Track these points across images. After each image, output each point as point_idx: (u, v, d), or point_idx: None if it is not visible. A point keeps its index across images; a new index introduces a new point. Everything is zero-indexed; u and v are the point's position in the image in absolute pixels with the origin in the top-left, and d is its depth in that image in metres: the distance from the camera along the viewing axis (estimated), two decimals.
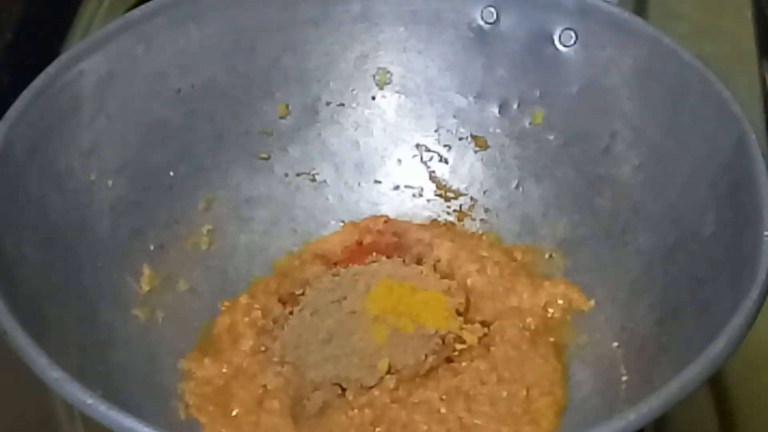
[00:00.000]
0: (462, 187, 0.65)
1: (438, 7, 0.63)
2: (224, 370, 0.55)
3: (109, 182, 0.57)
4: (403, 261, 0.61)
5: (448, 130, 0.65)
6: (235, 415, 0.53)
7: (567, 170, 0.62)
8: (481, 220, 0.64)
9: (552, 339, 0.57)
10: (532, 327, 0.57)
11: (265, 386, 0.54)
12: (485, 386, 0.54)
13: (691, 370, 0.42)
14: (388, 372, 0.54)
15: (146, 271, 0.57)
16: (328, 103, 0.64)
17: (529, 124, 0.63)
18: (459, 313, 0.57)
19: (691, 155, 0.54)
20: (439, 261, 0.61)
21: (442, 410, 0.53)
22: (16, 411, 0.56)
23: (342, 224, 0.64)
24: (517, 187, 0.63)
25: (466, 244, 0.62)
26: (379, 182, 0.65)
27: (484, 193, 0.64)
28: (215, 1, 0.60)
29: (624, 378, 0.53)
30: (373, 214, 0.64)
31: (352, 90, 0.65)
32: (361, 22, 0.63)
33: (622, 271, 0.57)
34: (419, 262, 0.61)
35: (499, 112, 0.63)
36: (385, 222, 0.63)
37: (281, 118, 0.64)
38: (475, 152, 0.65)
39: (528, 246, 0.62)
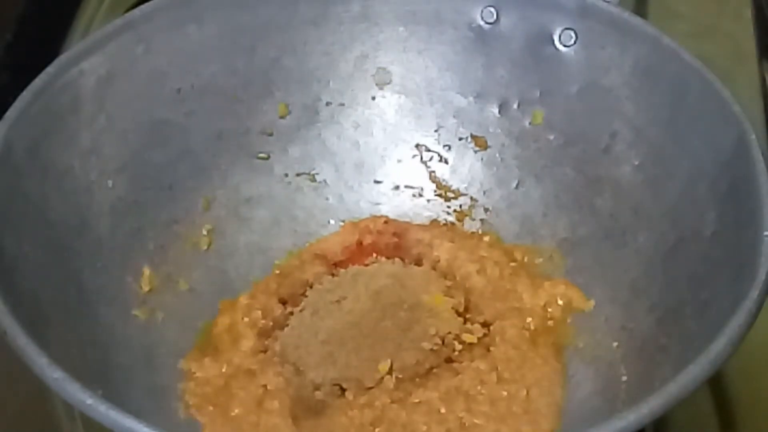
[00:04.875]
0: (462, 187, 0.65)
1: (438, 7, 0.63)
2: (224, 370, 0.55)
3: (109, 182, 0.57)
4: (403, 261, 0.61)
5: (448, 130, 0.65)
6: (235, 415, 0.53)
7: (567, 170, 0.61)
8: (481, 220, 0.64)
9: (552, 339, 0.57)
10: (532, 327, 0.57)
11: (265, 386, 0.54)
12: (485, 386, 0.54)
13: (691, 370, 0.42)
14: (388, 372, 0.54)
15: (146, 271, 0.57)
16: (328, 103, 0.64)
17: (529, 124, 0.63)
18: (459, 313, 0.57)
19: (691, 155, 0.54)
20: (439, 261, 0.61)
21: (442, 410, 0.53)
22: (16, 411, 0.56)
23: (342, 224, 0.64)
24: (517, 187, 0.63)
25: (466, 244, 0.62)
26: (379, 182, 0.65)
27: (484, 193, 0.64)
28: (215, 1, 0.60)
29: (624, 378, 0.53)
30: (373, 214, 0.64)
31: (352, 90, 0.65)
32: (361, 22, 0.63)
33: (622, 271, 0.57)
34: (419, 262, 0.61)
35: (499, 112, 0.63)
36: (385, 222, 0.63)
37: (281, 118, 0.64)
38: (475, 152, 0.65)
39: (528, 246, 0.62)
